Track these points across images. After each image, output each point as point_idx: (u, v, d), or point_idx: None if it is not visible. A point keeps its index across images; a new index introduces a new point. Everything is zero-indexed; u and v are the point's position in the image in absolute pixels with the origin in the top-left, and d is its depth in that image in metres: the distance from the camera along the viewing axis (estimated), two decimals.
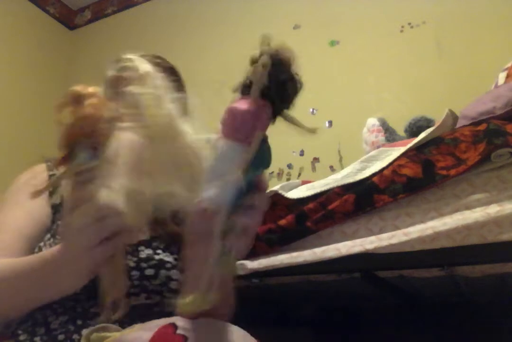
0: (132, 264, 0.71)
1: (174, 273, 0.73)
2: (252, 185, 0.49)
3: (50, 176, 0.82)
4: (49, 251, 0.60)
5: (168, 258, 0.75)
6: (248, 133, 0.46)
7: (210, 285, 0.47)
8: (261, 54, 0.45)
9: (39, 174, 0.82)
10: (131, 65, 0.53)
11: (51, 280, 0.58)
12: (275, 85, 0.45)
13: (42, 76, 2.74)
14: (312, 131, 0.50)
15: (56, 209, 0.79)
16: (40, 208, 0.78)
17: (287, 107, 0.48)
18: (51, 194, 0.80)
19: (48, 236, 0.75)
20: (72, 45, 2.97)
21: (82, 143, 0.49)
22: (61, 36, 2.96)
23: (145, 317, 0.62)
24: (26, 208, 0.77)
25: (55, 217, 0.78)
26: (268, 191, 1.12)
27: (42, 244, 0.74)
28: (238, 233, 0.48)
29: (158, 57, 0.94)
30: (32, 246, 0.74)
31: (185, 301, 0.48)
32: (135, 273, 0.71)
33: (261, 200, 0.51)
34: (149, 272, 0.71)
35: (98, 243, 0.52)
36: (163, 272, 0.72)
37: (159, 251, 0.75)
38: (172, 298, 0.73)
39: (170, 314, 0.56)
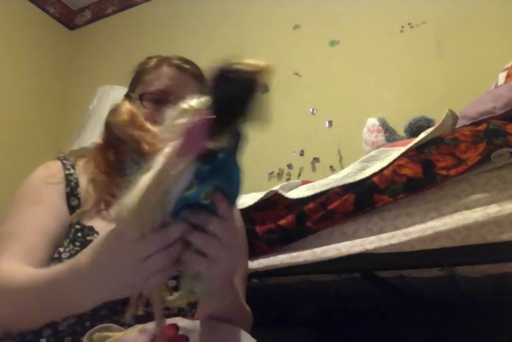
0: None
1: None
2: (210, 208, 0.46)
3: (67, 175, 0.79)
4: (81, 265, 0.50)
5: None
6: (189, 148, 0.43)
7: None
8: (214, 69, 0.44)
9: (56, 173, 0.79)
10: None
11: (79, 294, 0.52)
12: (225, 100, 0.44)
13: (42, 76, 2.74)
14: None
15: (74, 211, 0.76)
16: (60, 208, 0.75)
17: (241, 122, 0.45)
18: (69, 195, 0.77)
19: (67, 241, 0.72)
20: (72, 45, 2.97)
21: (132, 151, 0.47)
22: (61, 36, 2.96)
23: None
24: (47, 207, 0.74)
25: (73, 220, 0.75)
26: (266, 192, 1.12)
27: (62, 249, 0.71)
28: (194, 251, 0.47)
29: (188, 62, 0.90)
30: (56, 246, 0.71)
31: (172, 297, 0.50)
32: None
33: (218, 227, 0.47)
34: (171, 283, 0.66)
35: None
36: None
37: None
38: (189, 312, 0.72)
39: None
